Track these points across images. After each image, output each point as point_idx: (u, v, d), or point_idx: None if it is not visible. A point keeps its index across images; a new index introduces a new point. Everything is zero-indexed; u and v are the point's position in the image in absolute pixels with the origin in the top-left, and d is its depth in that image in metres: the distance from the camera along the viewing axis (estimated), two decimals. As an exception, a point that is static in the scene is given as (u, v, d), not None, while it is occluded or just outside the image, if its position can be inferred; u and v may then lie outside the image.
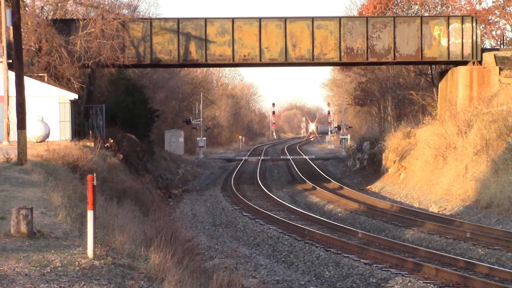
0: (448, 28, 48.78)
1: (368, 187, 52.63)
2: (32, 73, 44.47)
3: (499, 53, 49.34)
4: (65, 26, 47.25)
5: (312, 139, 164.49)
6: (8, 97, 39.33)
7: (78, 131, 46.80)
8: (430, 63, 55.28)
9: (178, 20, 48.59)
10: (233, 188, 49.34)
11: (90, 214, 13.70)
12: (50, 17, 48.68)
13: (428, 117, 52.95)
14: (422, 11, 69.44)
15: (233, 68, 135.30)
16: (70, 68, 46.33)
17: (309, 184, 52.20)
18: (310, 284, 22.31)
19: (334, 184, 53.47)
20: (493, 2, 66.79)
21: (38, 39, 46.29)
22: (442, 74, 52.79)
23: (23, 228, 15.00)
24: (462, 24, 48.79)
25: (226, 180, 57.97)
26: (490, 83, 48.49)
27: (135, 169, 48.46)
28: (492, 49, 51.91)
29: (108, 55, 46.17)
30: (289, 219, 34.62)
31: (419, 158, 49.04)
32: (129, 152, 48.87)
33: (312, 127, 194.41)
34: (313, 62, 49.17)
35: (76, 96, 43.91)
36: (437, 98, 54.68)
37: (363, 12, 70.14)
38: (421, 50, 48.85)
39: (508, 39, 66.41)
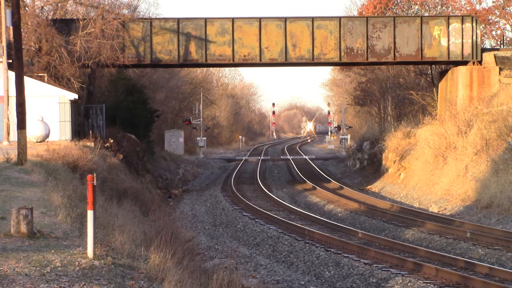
0: (448, 28, 48.77)
1: (368, 187, 52.62)
2: (32, 73, 44.47)
3: (499, 53, 49.33)
4: (65, 26, 47.26)
5: (309, 140, 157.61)
6: (8, 97, 39.31)
7: (78, 131, 46.79)
8: (430, 63, 55.27)
9: (178, 20, 48.59)
10: (233, 188, 49.32)
11: (90, 214, 13.70)
12: (50, 17, 48.66)
13: (428, 117, 52.93)
14: (422, 11, 69.48)
15: (233, 68, 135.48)
16: (70, 68, 46.32)
17: (309, 184, 52.19)
18: (310, 284, 22.30)
19: (334, 184, 53.45)
20: (493, 2, 66.84)
21: (38, 39, 46.28)
22: (442, 74, 52.79)
23: (23, 228, 14.99)
24: (462, 24, 48.78)
25: (226, 180, 57.96)
26: (490, 83, 48.48)
27: (135, 169, 48.45)
28: (492, 49, 51.90)
29: (108, 55, 46.17)
30: (289, 219, 34.61)
31: (419, 158, 49.02)
32: (129, 152, 48.85)
33: (310, 126, 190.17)
34: (313, 62, 49.17)
35: (76, 96, 43.91)
36: (437, 98, 54.67)
37: (363, 12, 70.17)
38: (421, 50, 48.84)
39: (508, 39, 66.44)
